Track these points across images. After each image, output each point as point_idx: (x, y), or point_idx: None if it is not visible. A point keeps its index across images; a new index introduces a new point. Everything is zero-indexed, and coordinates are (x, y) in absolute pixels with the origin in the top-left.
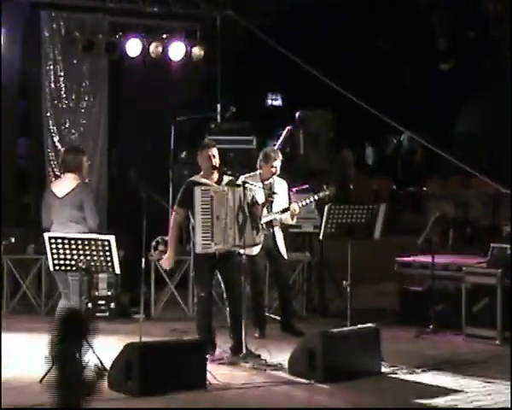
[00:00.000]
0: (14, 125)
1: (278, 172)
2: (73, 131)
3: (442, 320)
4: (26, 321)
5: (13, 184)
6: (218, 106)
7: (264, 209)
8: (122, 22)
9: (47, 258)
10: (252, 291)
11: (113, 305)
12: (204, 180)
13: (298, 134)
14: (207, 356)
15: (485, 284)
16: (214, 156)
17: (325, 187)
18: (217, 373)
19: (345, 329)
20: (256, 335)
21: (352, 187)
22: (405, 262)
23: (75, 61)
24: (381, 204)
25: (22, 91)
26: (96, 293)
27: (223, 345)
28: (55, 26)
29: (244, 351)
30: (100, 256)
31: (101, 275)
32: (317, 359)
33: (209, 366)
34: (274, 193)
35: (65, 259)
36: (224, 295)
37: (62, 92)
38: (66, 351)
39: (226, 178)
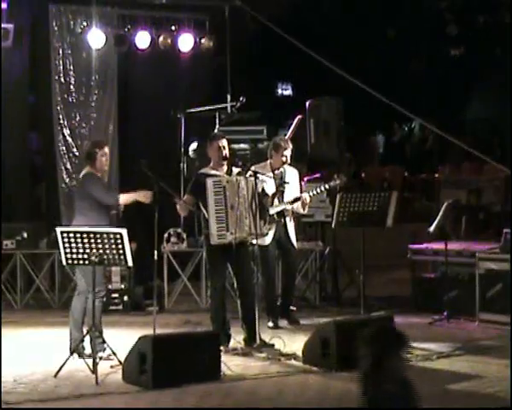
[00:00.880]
0: (24, 120)
1: (289, 162)
2: (84, 124)
3: (456, 307)
4: (39, 316)
5: (24, 178)
6: (228, 96)
7: (276, 199)
8: (131, 15)
9: (59, 252)
10: (264, 281)
11: (126, 298)
12: (214, 172)
13: (308, 123)
14: (221, 347)
15: (498, 269)
16: (224, 147)
17: (336, 176)
18: (231, 364)
19: (358, 317)
20: (269, 325)
21: (363, 175)
22: (418, 249)
23: (84, 55)
24: (393, 191)
25: (32, 86)
26: (110, 286)
27: (237, 336)
28: (63, 19)
29: (258, 341)
30: (112, 249)
31: (114, 268)
32: (331, 347)
33: (223, 357)
34: (285, 182)
35: (77, 252)
36: (236, 285)
37: (72, 86)
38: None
39: (236, 170)
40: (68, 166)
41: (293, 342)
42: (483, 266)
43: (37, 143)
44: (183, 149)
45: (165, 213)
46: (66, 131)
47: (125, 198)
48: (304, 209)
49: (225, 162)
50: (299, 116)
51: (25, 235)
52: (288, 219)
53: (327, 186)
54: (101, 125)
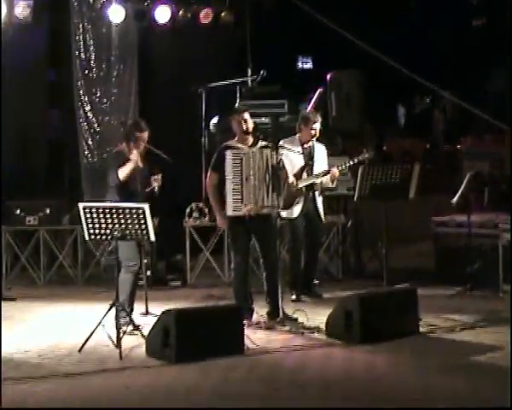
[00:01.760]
0: (45, 97)
1: (318, 135)
2: (105, 100)
3: (479, 278)
4: (63, 292)
5: (46, 155)
6: (249, 70)
7: (304, 173)
8: None
9: (82, 228)
10: (290, 254)
11: (149, 273)
12: (238, 145)
13: (329, 95)
14: (244, 321)
15: None
16: (246, 121)
17: (365, 150)
18: (254, 338)
19: (381, 290)
20: (292, 298)
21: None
22: (441, 221)
23: (104, 30)
24: (415, 163)
25: (52, 62)
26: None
27: (260, 310)
28: None
29: (281, 315)
30: (135, 224)
31: None
32: (354, 320)
33: (246, 331)
34: (313, 157)
35: (100, 228)
36: (261, 260)
37: (92, 62)
38: None
39: (261, 143)
40: (90, 141)
41: (316, 316)
42: (506, 237)
43: (58, 119)
44: (204, 124)
45: (186, 188)
46: (87, 107)
47: (124, 171)
48: (333, 183)
49: (249, 136)
50: (319, 89)
51: (47, 211)
52: (317, 193)
53: (356, 160)
54: (121, 101)
